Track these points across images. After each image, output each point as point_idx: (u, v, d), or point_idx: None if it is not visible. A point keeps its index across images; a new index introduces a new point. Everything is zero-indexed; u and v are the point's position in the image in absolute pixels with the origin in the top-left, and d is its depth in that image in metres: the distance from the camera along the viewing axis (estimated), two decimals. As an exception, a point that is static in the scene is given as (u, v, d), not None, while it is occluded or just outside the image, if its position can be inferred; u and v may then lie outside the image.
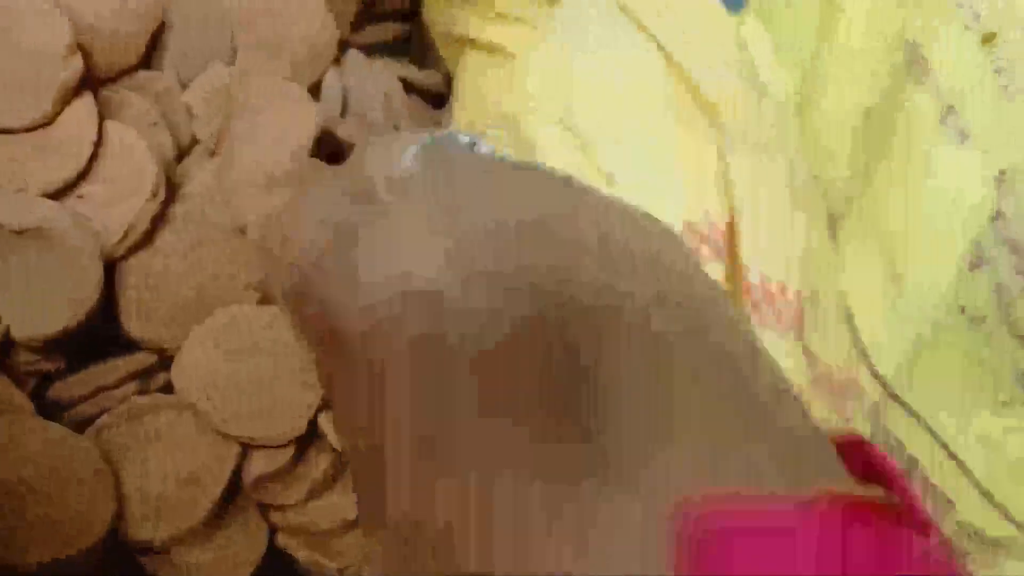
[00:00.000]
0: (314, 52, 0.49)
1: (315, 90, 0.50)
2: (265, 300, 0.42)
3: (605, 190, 0.33)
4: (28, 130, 0.40)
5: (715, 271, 0.32)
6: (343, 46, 0.51)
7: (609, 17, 0.34)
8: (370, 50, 0.53)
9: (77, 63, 0.39)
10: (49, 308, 0.37)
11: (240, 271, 0.42)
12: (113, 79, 0.43)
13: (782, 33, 0.49)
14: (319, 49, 0.49)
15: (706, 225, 0.32)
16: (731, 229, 0.32)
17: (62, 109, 0.40)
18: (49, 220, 0.37)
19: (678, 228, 0.32)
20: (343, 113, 0.51)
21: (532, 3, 0.41)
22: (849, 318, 0.43)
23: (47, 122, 0.40)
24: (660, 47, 0.33)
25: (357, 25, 0.53)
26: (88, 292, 0.37)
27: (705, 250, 0.32)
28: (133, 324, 0.40)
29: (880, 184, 0.47)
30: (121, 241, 0.39)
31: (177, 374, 0.38)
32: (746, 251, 0.31)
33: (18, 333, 0.38)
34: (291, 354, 0.39)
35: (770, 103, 0.32)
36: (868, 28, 0.45)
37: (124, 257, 0.40)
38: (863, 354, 0.42)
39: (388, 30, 0.54)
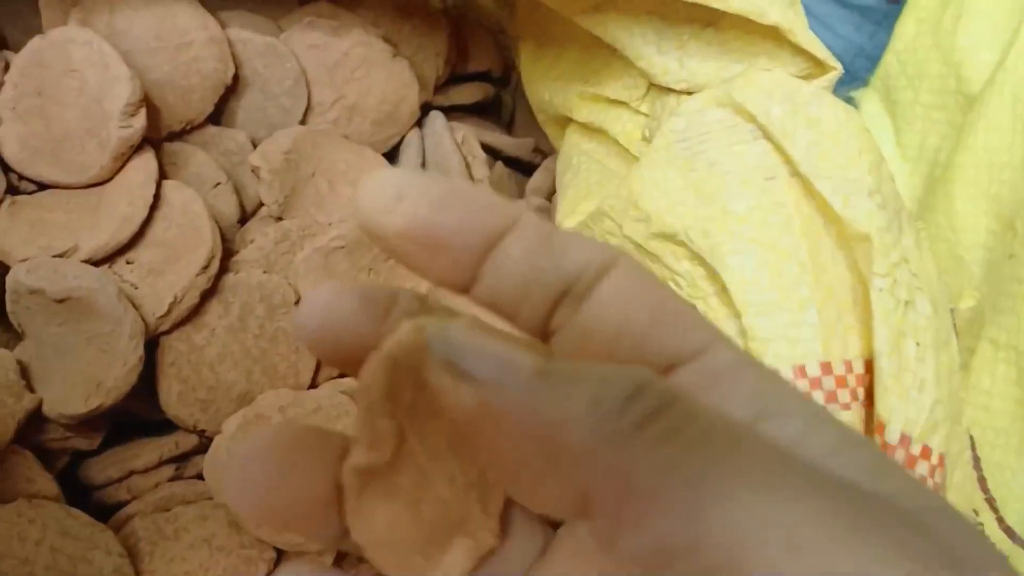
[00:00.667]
0: (394, 113, 0.46)
1: (395, 152, 0.47)
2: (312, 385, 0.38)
3: (734, 322, 0.29)
4: (83, 187, 0.37)
5: (851, 418, 0.27)
6: (425, 107, 0.48)
7: (733, 126, 0.30)
8: (455, 111, 0.50)
9: (139, 120, 0.36)
10: (84, 385, 0.34)
11: (289, 350, 0.38)
12: (179, 134, 0.40)
13: (906, 121, 0.44)
14: (400, 110, 0.46)
15: (842, 365, 0.27)
16: (870, 372, 0.27)
17: (121, 167, 0.37)
18: (91, 290, 0.34)
19: (813, 368, 0.27)
20: (420, 178, 0.47)
21: (645, 97, 0.37)
22: (976, 461, 0.37)
23: (103, 180, 0.37)
24: (791, 164, 0.28)
25: (441, 86, 0.49)
26: (125, 372, 0.34)
27: (843, 394, 0.27)
28: (172, 403, 0.37)
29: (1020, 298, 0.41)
30: (165, 316, 0.36)
31: (209, 470, 0.35)
32: (885, 403, 0.26)
33: (50, 410, 0.35)
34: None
35: (910, 232, 0.27)
36: (1013, 126, 0.40)
37: (167, 331, 0.36)
38: (990, 505, 0.37)
39: (474, 91, 0.51)
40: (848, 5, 0.53)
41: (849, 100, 0.52)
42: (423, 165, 0.47)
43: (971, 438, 0.40)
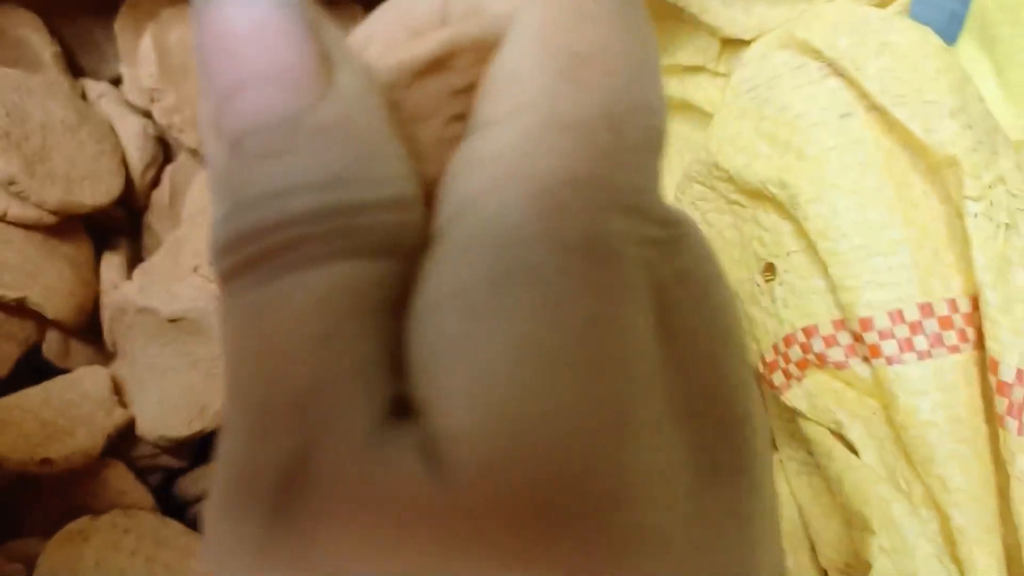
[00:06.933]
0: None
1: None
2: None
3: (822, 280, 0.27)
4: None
5: (962, 361, 0.24)
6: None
7: (799, 66, 0.28)
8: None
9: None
10: (186, 409, 0.34)
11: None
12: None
13: (1008, 57, 0.41)
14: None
15: (945, 305, 0.25)
16: (979, 310, 0.24)
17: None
18: (206, 312, 0.34)
19: (911, 312, 0.25)
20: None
21: (720, 56, 0.35)
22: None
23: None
24: (867, 98, 0.26)
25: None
26: None
27: (949, 337, 0.24)
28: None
29: None
30: None
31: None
32: (996, 340, 0.23)
33: (148, 431, 0.35)
34: None
35: (1008, 154, 0.25)
36: None
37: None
38: None
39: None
40: (936, -39, 0.50)
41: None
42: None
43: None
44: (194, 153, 0.40)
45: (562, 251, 0.11)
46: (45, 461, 0.33)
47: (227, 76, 0.11)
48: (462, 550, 0.10)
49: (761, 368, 0.31)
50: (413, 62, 0.13)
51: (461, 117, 0.14)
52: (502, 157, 0.12)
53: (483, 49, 0.13)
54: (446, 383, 0.11)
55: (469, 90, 0.14)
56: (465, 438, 0.11)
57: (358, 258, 0.11)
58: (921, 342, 0.25)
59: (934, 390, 0.24)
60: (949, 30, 0.58)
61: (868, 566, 0.25)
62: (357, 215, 0.11)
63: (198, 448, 0.38)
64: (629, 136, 0.12)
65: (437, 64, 0.14)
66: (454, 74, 0.14)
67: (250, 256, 0.11)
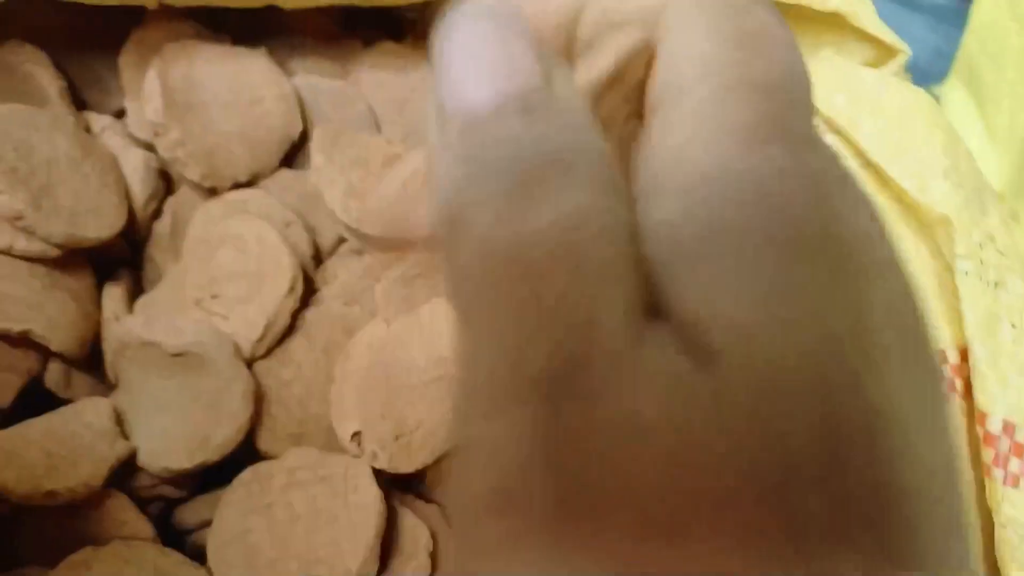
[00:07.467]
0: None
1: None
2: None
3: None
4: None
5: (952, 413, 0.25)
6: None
7: None
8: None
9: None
10: (188, 440, 0.35)
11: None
12: (245, 184, 0.41)
13: (994, 102, 0.42)
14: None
15: (935, 358, 0.26)
16: (967, 361, 0.25)
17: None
18: (209, 347, 0.35)
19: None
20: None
21: None
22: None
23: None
24: (863, 155, 0.27)
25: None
26: (234, 432, 0.35)
27: (938, 388, 0.25)
28: (264, 440, 0.37)
29: None
30: (261, 340, 0.36)
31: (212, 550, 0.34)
32: (984, 393, 0.24)
33: (150, 462, 0.35)
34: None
35: (995, 211, 0.26)
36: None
37: (263, 356, 0.37)
38: None
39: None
40: (919, 8, 0.51)
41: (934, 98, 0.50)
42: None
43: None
44: (196, 186, 0.41)
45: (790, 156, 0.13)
46: (50, 493, 0.33)
47: (465, 69, 0.14)
48: (731, 438, 0.11)
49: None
50: (593, 83, 0.15)
51: (635, 114, 0.15)
52: (697, 114, 0.13)
53: (645, 52, 0.15)
54: (699, 277, 0.12)
55: (638, 88, 0.15)
56: (726, 327, 0.11)
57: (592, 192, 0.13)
58: (911, 391, 0.25)
59: (923, 438, 0.25)
60: (935, 66, 0.60)
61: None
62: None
63: (199, 478, 0.38)
64: (799, 100, 0.14)
65: (614, 79, 0.15)
66: (625, 81, 0.15)
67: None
